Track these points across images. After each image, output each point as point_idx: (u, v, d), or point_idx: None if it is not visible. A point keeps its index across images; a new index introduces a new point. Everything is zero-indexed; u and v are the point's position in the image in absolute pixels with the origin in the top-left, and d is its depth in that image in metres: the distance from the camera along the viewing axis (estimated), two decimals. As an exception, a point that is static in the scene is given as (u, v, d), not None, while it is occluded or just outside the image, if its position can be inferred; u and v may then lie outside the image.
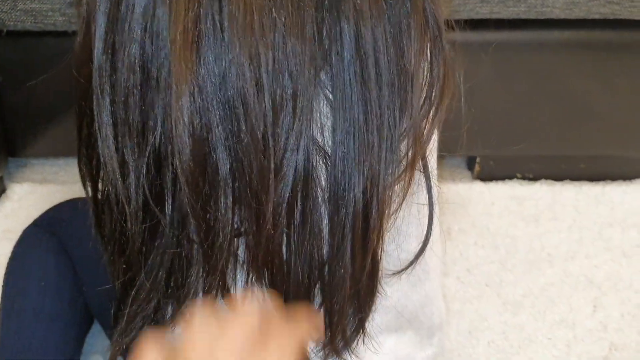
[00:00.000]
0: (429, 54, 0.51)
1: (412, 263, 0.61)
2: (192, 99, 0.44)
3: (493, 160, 1.23)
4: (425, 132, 0.52)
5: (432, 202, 0.59)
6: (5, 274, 0.87)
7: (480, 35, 1.05)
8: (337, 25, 0.46)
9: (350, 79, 0.47)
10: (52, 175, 1.30)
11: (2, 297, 0.84)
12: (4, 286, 0.86)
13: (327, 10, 0.46)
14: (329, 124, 0.49)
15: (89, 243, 0.86)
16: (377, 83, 0.47)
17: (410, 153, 0.51)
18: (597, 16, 1.01)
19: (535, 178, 1.24)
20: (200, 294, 0.55)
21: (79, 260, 0.86)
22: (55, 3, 1.02)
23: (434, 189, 0.58)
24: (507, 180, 1.23)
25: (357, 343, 0.59)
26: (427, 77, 0.52)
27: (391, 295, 0.62)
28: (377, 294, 0.58)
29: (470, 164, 1.27)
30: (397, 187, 0.53)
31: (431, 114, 0.53)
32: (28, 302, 0.83)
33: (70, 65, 0.53)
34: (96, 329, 0.91)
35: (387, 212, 0.52)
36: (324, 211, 0.51)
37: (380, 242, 0.54)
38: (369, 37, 0.46)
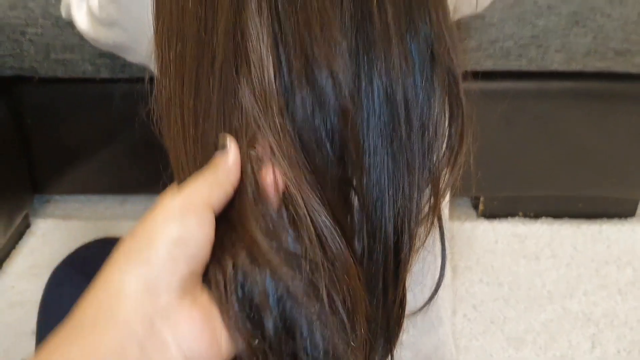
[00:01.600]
0: (448, 108, 0.57)
1: (424, 305, 0.66)
2: None
3: (496, 200, 1.30)
4: (445, 180, 0.58)
5: (444, 249, 0.65)
6: (39, 316, 0.91)
7: (484, 84, 1.11)
8: (371, 82, 0.50)
9: (381, 127, 0.51)
10: (75, 211, 1.36)
11: (36, 340, 0.89)
12: (37, 328, 0.90)
13: (361, 58, 0.50)
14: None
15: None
16: (406, 130, 0.51)
17: (431, 200, 0.55)
18: (593, 69, 1.08)
19: (536, 216, 1.31)
20: None
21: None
22: (86, 53, 1.09)
23: (447, 239, 0.64)
24: (509, 218, 1.30)
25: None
26: (446, 128, 0.58)
27: (406, 340, 0.67)
28: (403, 324, 0.63)
29: (475, 203, 1.33)
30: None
31: (450, 163, 0.58)
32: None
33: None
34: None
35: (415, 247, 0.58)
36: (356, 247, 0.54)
37: (408, 274, 0.59)
38: (400, 89, 0.51)
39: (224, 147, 0.44)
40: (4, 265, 1.22)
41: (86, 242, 1.01)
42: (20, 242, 1.28)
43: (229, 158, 0.44)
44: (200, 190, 0.41)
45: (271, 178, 0.45)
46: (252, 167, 0.45)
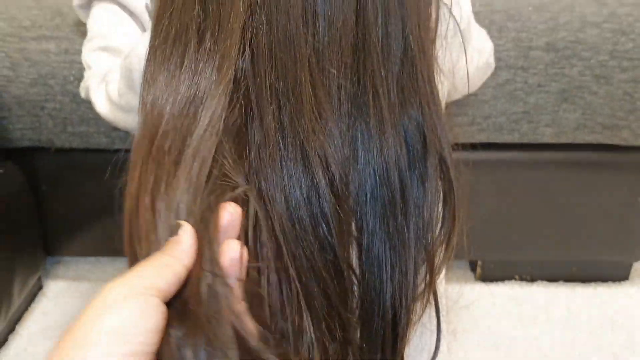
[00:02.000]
0: (441, 191, 0.60)
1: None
2: None
3: (493, 263, 1.34)
4: (440, 258, 0.60)
5: (440, 326, 0.68)
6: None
7: (478, 154, 1.17)
8: (368, 166, 0.55)
9: (378, 209, 0.56)
10: (85, 273, 1.41)
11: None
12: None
13: (359, 145, 0.55)
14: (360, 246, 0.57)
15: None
16: (402, 212, 0.56)
17: (427, 277, 0.59)
18: (582, 142, 1.14)
19: (532, 279, 1.34)
20: None
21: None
22: (101, 126, 1.15)
23: (442, 315, 0.68)
24: (506, 281, 1.34)
25: None
26: (440, 210, 0.61)
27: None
28: None
29: (473, 266, 1.37)
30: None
31: (444, 242, 0.61)
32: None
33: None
34: None
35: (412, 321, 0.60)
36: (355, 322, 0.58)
37: (406, 348, 0.61)
38: (395, 174, 0.55)
39: (177, 230, 0.43)
40: (17, 327, 1.25)
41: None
42: (32, 304, 1.32)
43: (182, 239, 0.42)
44: (144, 275, 0.39)
45: (235, 253, 0.44)
46: (211, 248, 0.44)
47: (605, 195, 1.22)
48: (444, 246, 0.61)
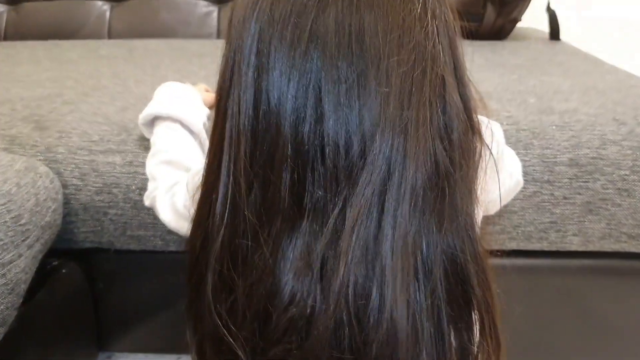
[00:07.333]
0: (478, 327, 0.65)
1: None
2: None
3: (527, 367, 1.36)
4: None
5: None
6: None
7: (509, 261, 1.23)
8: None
9: None
10: (134, 369, 1.47)
11: None
12: None
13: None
14: None
15: None
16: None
17: None
18: (609, 250, 1.19)
19: (566, 384, 1.36)
20: None
21: None
22: (158, 231, 1.24)
23: None
24: (541, 385, 1.36)
25: None
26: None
27: None
28: None
29: (506, 369, 1.40)
30: None
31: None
32: None
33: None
34: None
35: None
36: None
37: None
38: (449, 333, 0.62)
39: None
40: (68, 420, 1.31)
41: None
42: (83, 397, 1.38)
43: None
44: None
45: None
46: None
47: (634, 302, 1.26)
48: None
